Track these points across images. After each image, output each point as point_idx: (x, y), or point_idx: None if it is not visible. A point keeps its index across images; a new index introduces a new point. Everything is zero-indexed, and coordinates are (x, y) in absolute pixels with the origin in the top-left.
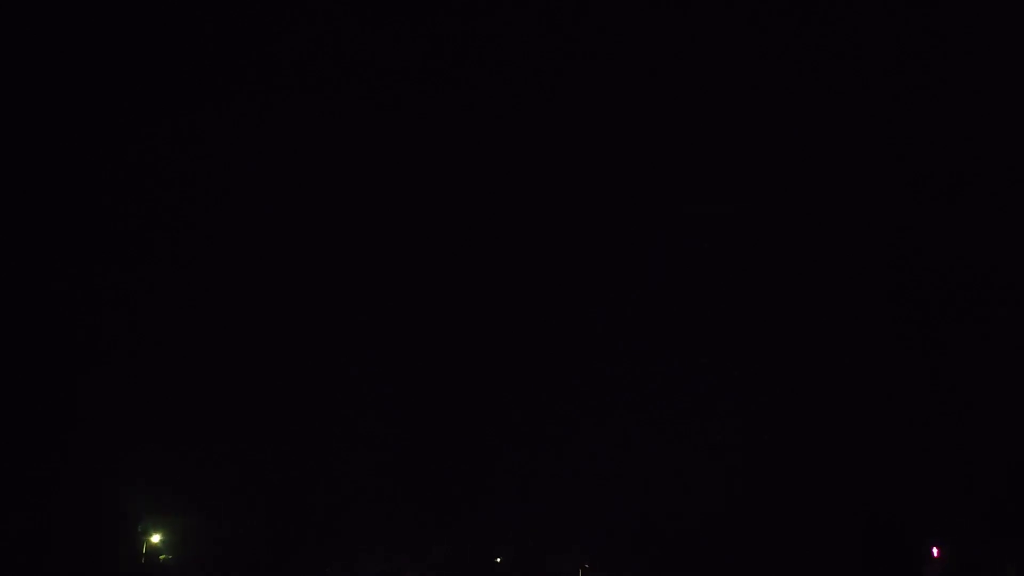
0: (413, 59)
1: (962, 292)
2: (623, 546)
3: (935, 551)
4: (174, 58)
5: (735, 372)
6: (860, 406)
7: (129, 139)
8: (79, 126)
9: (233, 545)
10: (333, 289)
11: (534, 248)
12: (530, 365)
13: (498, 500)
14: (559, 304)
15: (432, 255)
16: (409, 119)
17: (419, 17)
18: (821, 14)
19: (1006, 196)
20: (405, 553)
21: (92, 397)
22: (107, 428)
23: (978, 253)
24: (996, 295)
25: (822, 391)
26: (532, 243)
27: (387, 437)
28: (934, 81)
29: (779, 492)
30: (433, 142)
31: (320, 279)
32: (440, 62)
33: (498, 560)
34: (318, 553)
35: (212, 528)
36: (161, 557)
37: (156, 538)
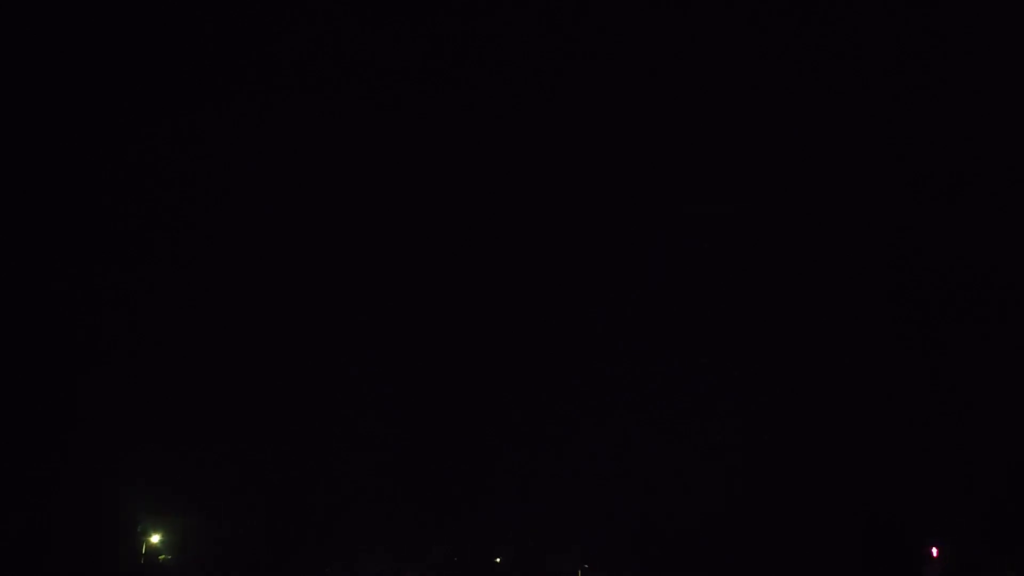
0: (414, 59)
1: (962, 292)
2: (623, 546)
3: (935, 551)
4: (174, 58)
5: (735, 372)
6: (860, 406)
7: (129, 139)
8: (79, 126)
9: (233, 545)
10: (333, 289)
11: (534, 248)
12: (530, 365)
13: (498, 500)
14: (559, 304)
15: (432, 255)
16: (409, 120)
17: (419, 17)
18: (821, 14)
19: (1006, 196)
20: (405, 553)
21: (92, 397)
22: (107, 428)
23: (978, 253)
24: (996, 295)
25: (822, 391)
26: (532, 243)
27: (387, 437)
28: (934, 81)
29: (779, 492)
30: (433, 143)
31: (320, 279)
32: (440, 62)
33: (498, 560)
34: (318, 553)
35: (212, 528)
36: (160, 557)
37: (156, 538)
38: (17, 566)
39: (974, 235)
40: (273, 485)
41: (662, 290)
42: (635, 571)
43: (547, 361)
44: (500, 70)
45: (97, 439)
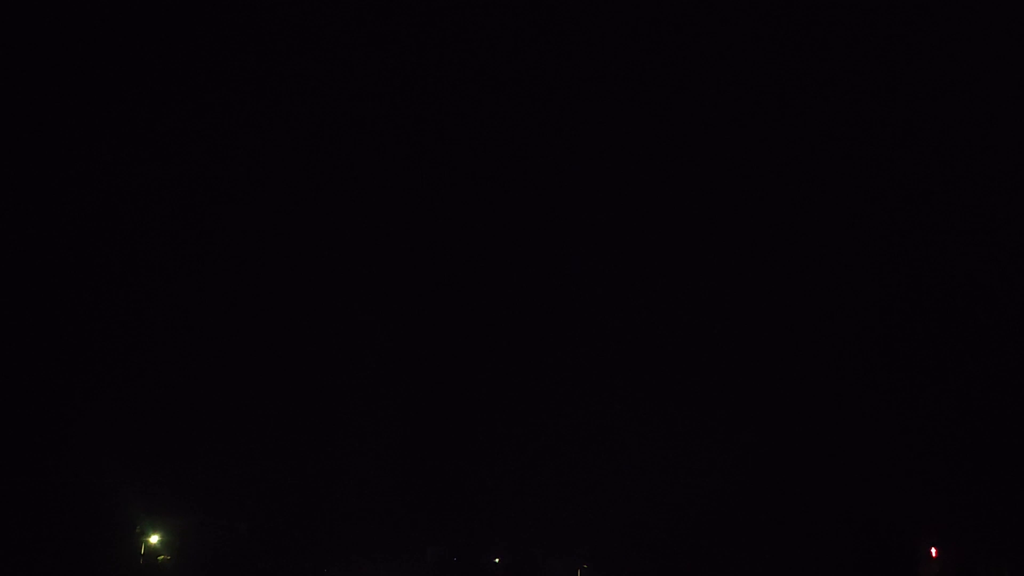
0: (414, 59)
1: (962, 292)
2: (622, 547)
3: (933, 551)
4: (174, 59)
5: (734, 372)
6: (859, 406)
7: (128, 140)
8: (78, 127)
9: (231, 546)
10: (333, 290)
11: (535, 249)
12: (529, 366)
13: (496, 501)
14: (559, 305)
15: (432, 256)
16: (407, 126)
17: (420, 17)
18: (819, 15)
19: (1006, 196)
20: (403, 554)
21: (92, 397)
22: (106, 428)
23: (978, 253)
24: (995, 295)
25: (820, 392)
26: (533, 244)
27: (386, 438)
28: (934, 79)
29: (777, 493)
30: (433, 143)
31: (320, 280)
32: (441, 63)
33: (496, 560)
34: (316, 554)
35: (211, 529)
36: (159, 558)
37: (154, 539)
38: (15, 566)
39: (974, 234)
40: (272, 486)
41: (662, 291)
42: (634, 572)
43: (547, 362)
44: (501, 71)
45: (96, 439)
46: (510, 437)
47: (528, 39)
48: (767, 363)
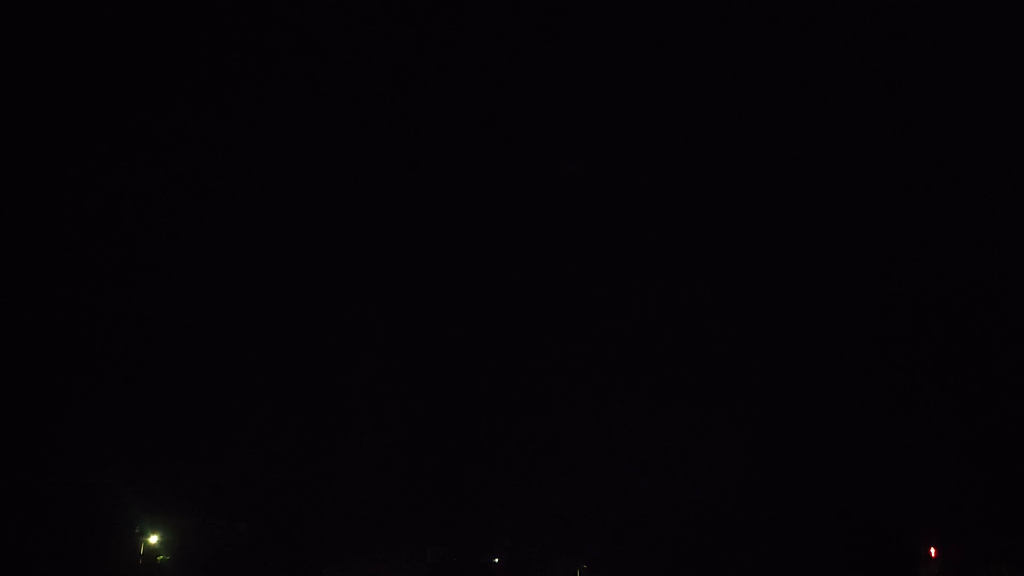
0: (414, 59)
1: (961, 292)
2: (621, 547)
3: (933, 551)
4: (175, 59)
5: (734, 373)
6: (859, 407)
7: (128, 140)
8: (78, 127)
9: (230, 546)
10: (333, 290)
11: (535, 249)
12: (530, 366)
13: (496, 501)
14: (559, 306)
15: (432, 257)
16: (407, 126)
17: (419, 17)
18: (816, 16)
19: (1006, 196)
20: (403, 554)
21: (91, 397)
22: (106, 428)
23: (978, 253)
24: (995, 295)
25: (820, 392)
26: (533, 244)
27: (385, 438)
28: (934, 79)
29: (777, 493)
30: (434, 144)
31: (320, 280)
32: (441, 63)
33: (496, 560)
34: (315, 554)
35: (210, 529)
36: (159, 558)
37: (154, 539)
38: (15, 566)
39: (974, 233)
40: (272, 486)
41: (662, 291)
42: (634, 571)
43: (547, 362)
44: (500, 72)
45: (96, 439)
46: (510, 437)
47: (528, 39)
48: (767, 363)
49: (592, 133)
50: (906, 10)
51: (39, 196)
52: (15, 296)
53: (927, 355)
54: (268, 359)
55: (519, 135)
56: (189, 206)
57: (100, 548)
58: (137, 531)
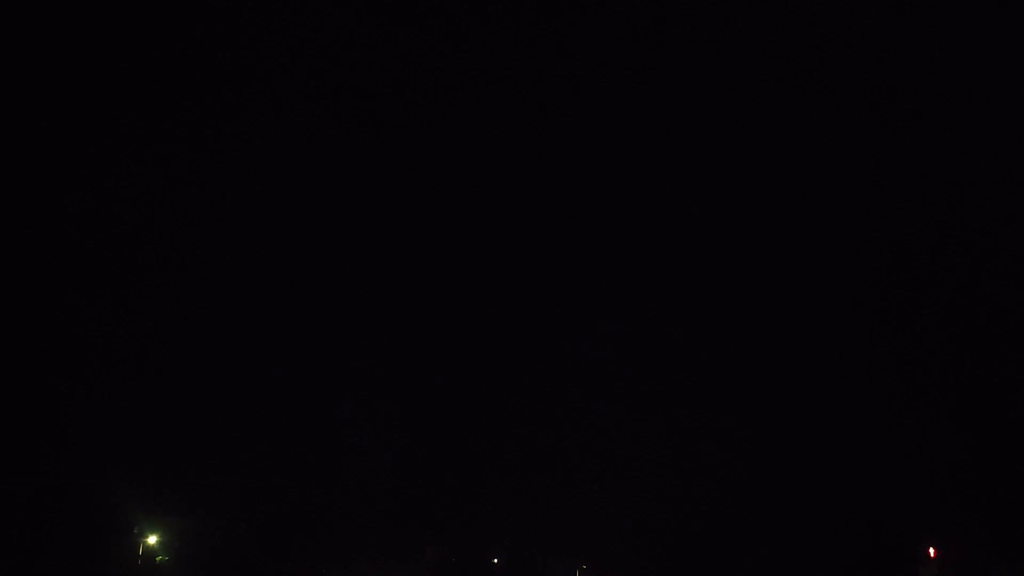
0: (414, 59)
1: (961, 292)
2: (621, 547)
3: (932, 551)
4: (175, 60)
5: (734, 373)
6: (858, 407)
7: (128, 140)
8: (78, 127)
9: (230, 546)
10: (333, 291)
11: (536, 250)
12: (528, 367)
13: (496, 501)
14: (559, 307)
15: (433, 258)
16: (408, 126)
17: (419, 18)
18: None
19: (1006, 196)
20: (403, 554)
21: (92, 397)
22: (106, 428)
23: (978, 252)
24: (995, 295)
25: (820, 393)
26: (534, 245)
27: (385, 439)
28: (934, 79)
29: (777, 493)
30: (435, 145)
31: (320, 281)
32: (441, 63)
33: (495, 560)
34: (315, 554)
35: (209, 529)
36: (158, 558)
37: (152, 539)
38: (15, 566)
39: (974, 233)
40: (272, 486)
41: (662, 292)
42: (634, 571)
43: (546, 363)
44: (500, 73)
45: (96, 439)
46: (510, 438)
47: (528, 39)
48: (767, 363)
49: (592, 135)
50: (906, 10)
51: (39, 196)
52: (16, 296)
53: (927, 356)
54: (269, 360)
55: (520, 138)
56: (190, 207)
57: (100, 548)
58: (136, 531)
